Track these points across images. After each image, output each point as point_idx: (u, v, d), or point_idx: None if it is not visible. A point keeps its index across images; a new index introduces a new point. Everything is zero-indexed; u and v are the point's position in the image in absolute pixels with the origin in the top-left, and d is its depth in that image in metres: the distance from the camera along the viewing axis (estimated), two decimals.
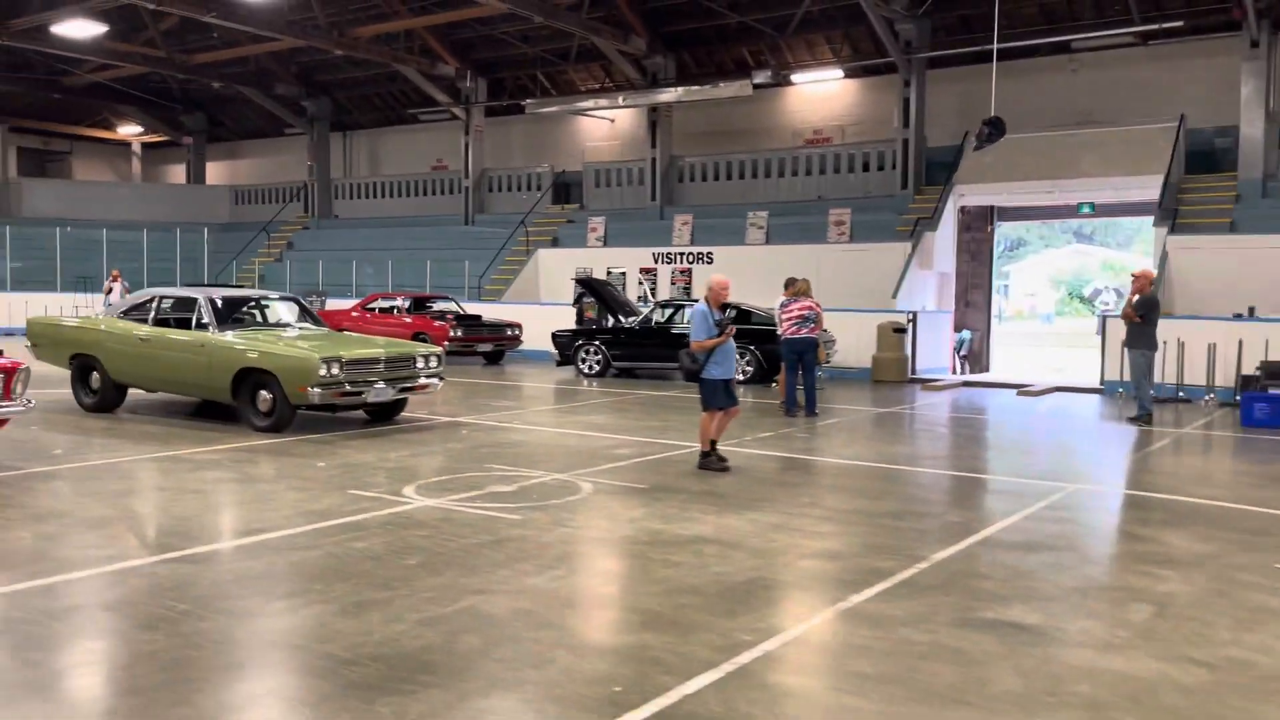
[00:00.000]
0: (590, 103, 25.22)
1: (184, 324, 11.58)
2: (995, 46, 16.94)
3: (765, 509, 7.16)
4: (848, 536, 6.46)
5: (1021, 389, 16.21)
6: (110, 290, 24.67)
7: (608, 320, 19.47)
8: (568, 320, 20.44)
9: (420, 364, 11.31)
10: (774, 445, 10.32)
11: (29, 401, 8.13)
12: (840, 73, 23.42)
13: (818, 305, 12.79)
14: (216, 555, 5.80)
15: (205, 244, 30.34)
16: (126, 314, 12.01)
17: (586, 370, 17.73)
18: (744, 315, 17.15)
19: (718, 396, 8.63)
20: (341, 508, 6.98)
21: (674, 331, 17.37)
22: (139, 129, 35.89)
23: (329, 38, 24.12)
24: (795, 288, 12.72)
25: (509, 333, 20.53)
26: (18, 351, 10.42)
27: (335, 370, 10.29)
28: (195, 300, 11.38)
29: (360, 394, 10.64)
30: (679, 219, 23.63)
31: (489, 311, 21.69)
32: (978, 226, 22.05)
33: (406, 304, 20.96)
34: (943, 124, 21.73)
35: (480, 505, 7.10)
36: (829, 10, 22.38)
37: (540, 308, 22.49)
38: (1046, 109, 20.76)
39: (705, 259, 22.06)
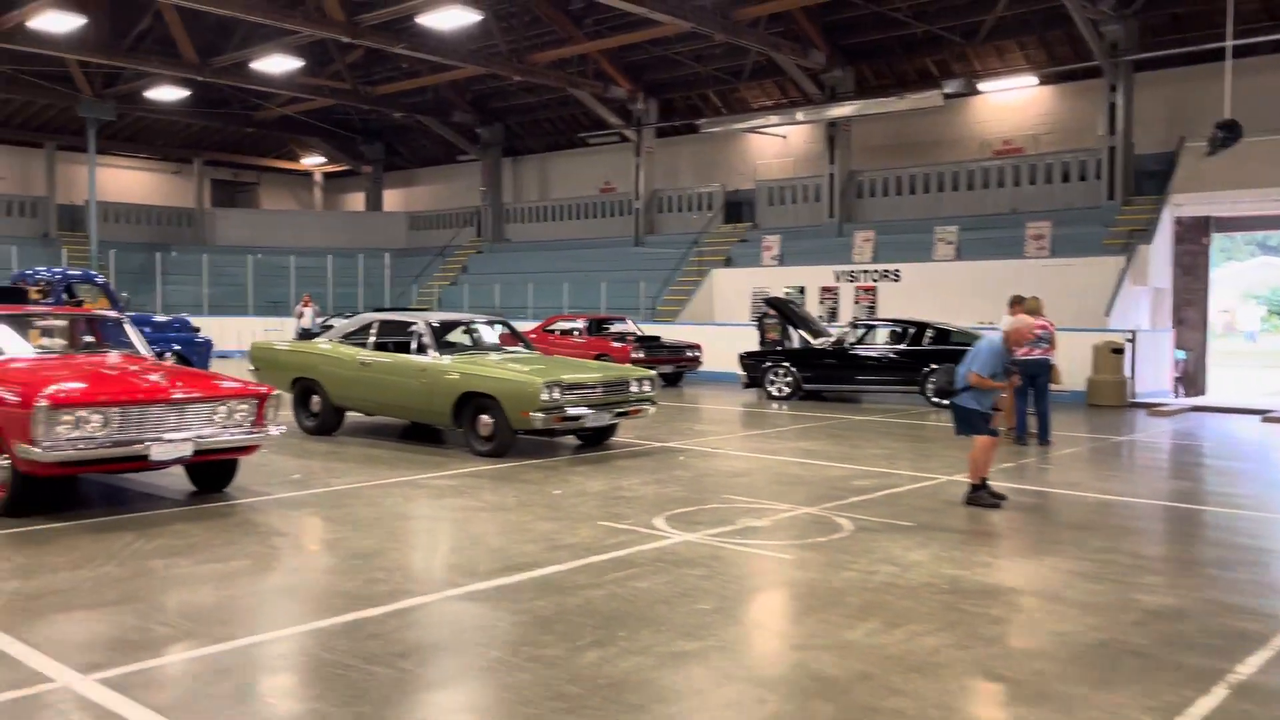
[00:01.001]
0: (767, 119, 24.73)
1: (402, 348, 11.69)
2: (1230, 43, 15.61)
3: (1062, 554, 6.47)
4: (1180, 591, 5.71)
5: (1266, 415, 14.77)
6: (302, 314, 25.67)
7: (791, 341, 18.92)
8: (744, 341, 19.98)
9: (634, 388, 11.04)
10: (1019, 477, 9.54)
11: (280, 428, 8.19)
12: (1034, 79, 22.23)
13: (1051, 324, 11.90)
14: (501, 592, 5.54)
15: (386, 269, 31.28)
16: (346, 338, 12.21)
17: (775, 393, 17.19)
18: (942, 334, 16.33)
19: (985, 422, 7.95)
20: (601, 541, 6.67)
21: (870, 354, 16.68)
22: (321, 159, 37.52)
23: (509, 64, 24.50)
24: (1025, 305, 11.86)
25: (688, 354, 20.22)
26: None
27: (556, 394, 10.11)
28: (414, 324, 11.45)
29: (579, 418, 10.44)
30: (860, 235, 22.87)
31: (665, 332, 21.44)
32: (1191, 238, 20.45)
33: (585, 326, 20.93)
34: (1150, 130, 20.29)
35: (742, 542, 6.68)
36: (1023, 15, 21.29)
37: (716, 328, 22.11)
38: (1275, 110, 19.08)
39: (892, 276, 21.23)
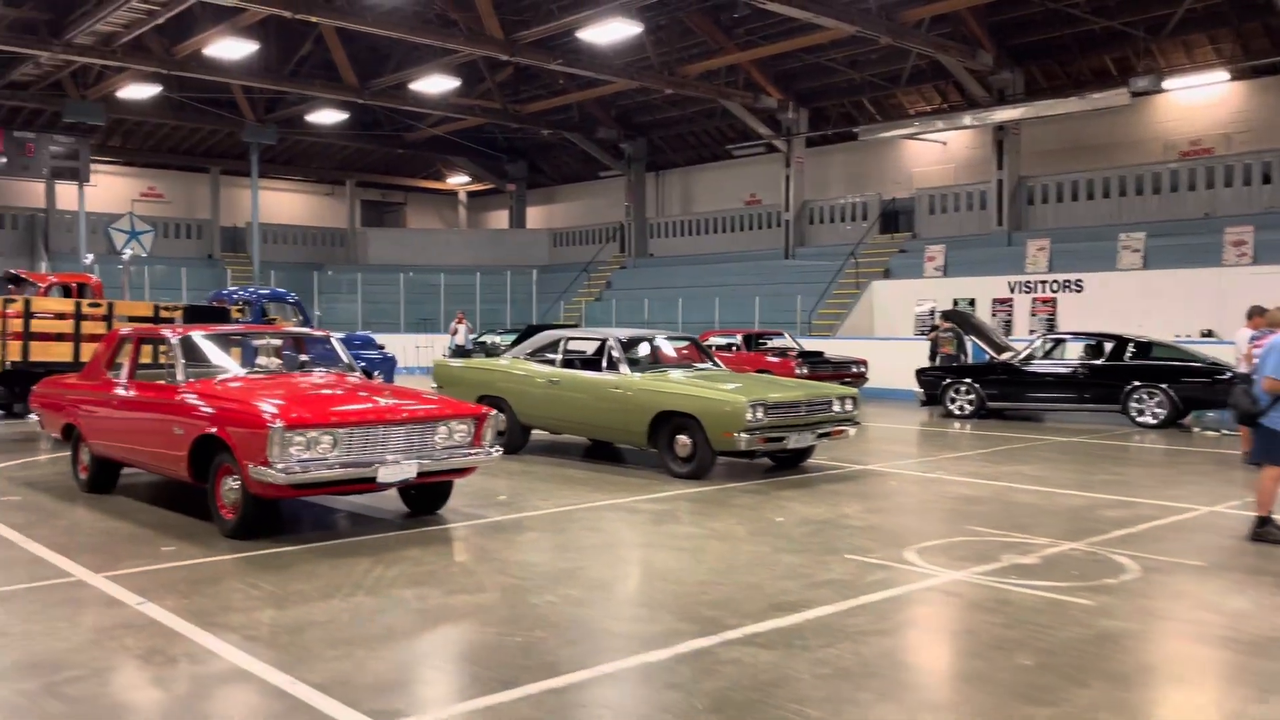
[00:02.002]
0: (931, 124, 23.80)
1: (590, 365, 11.41)
2: None
3: None
4: None
5: None
6: (456, 331, 25.93)
7: (967, 356, 17.98)
8: (909, 355, 19.11)
9: (836, 407, 10.45)
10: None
11: (497, 449, 7.92)
12: (1226, 75, 20.71)
13: None
14: (783, 637, 5.04)
15: (534, 285, 31.46)
16: (532, 355, 11.99)
17: (957, 411, 16.30)
18: (1143, 348, 15.19)
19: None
20: (861, 578, 6.12)
21: (1063, 370, 15.63)
22: (466, 178, 38.16)
23: (660, 77, 24.27)
24: (1268, 317, 10.78)
25: (853, 369, 19.45)
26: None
27: (761, 414, 9.62)
28: (604, 341, 11.14)
29: (783, 439, 9.92)
30: (1033, 244, 21.69)
31: (825, 347, 20.71)
32: None
33: (740, 341, 20.38)
34: None
35: (1024, 583, 6.01)
36: (1214, 7, 19.86)
37: (878, 342, 21.27)
38: None
39: (1073, 287, 20.03)
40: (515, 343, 22.51)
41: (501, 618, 5.38)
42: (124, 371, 8.63)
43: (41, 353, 12.69)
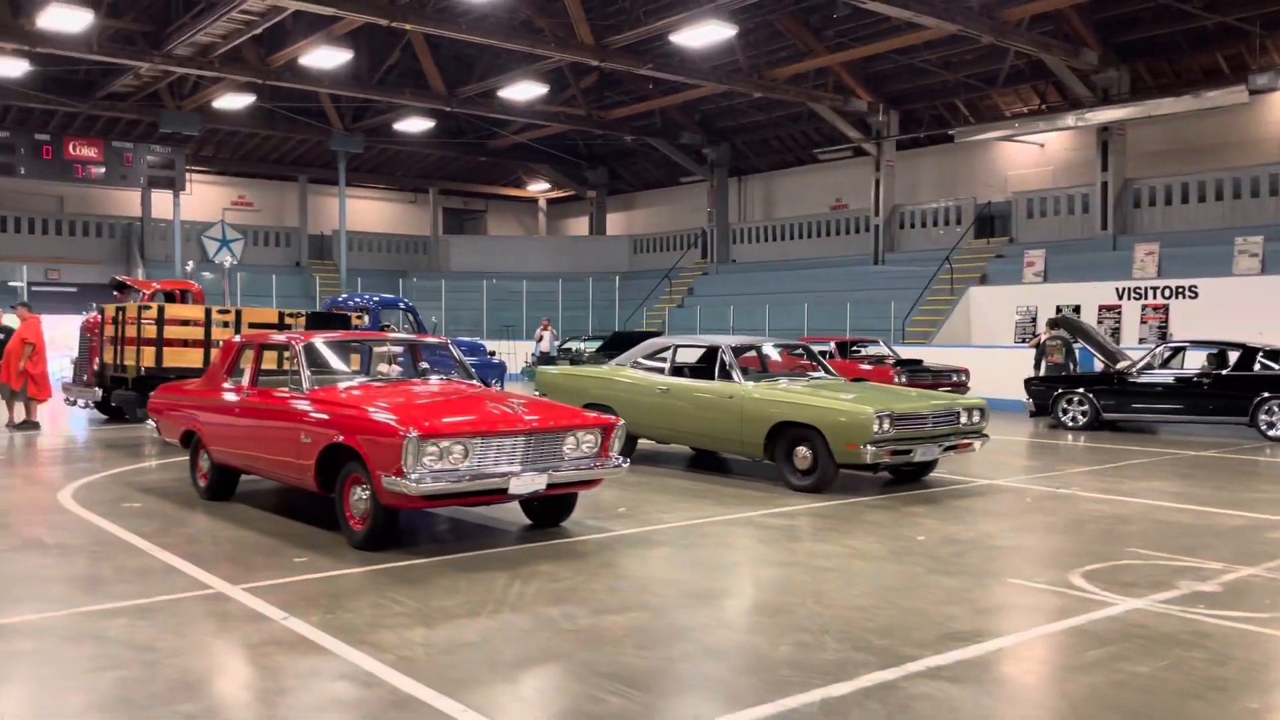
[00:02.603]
0: (1033, 125, 23.06)
1: (700, 373, 11.14)
2: None
3: None
4: None
5: None
6: (541, 338, 25.88)
7: (1076, 364, 17.30)
8: (1010, 363, 18.48)
9: (964, 418, 10.00)
10: None
11: (625, 460, 7.67)
12: None
13: None
14: (969, 670, 4.68)
15: (616, 292, 31.31)
16: (638, 363, 11.75)
17: (1069, 423, 15.65)
18: (1274, 356, 14.41)
19: None
20: (1033, 605, 5.72)
21: (1186, 380, 14.89)
22: (546, 186, 38.23)
23: (749, 80, 23.93)
24: None
25: (954, 378, 18.84)
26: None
27: (887, 426, 9.22)
28: (716, 349, 10.84)
29: (909, 452, 9.51)
30: (1141, 249, 20.85)
31: (920, 355, 20.12)
32: None
33: (833, 348, 19.88)
34: None
35: (1216, 614, 5.55)
36: None
37: (977, 350, 20.61)
38: None
39: (1187, 293, 19.17)
40: (602, 350, 22.52)
41: (658, 641, 5.10)
42: (245, 378, 8.58)
43: (174, 359, 12.88)
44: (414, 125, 29.07)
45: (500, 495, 7.07)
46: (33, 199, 30.27)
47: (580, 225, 39.35)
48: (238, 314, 13.33)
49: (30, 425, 14.55)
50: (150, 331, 12.80)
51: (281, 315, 13.35)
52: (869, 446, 9.12)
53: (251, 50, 23.06)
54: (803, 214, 30.64)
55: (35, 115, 28.02)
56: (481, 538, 7.63)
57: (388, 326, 15.50)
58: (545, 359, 24.59)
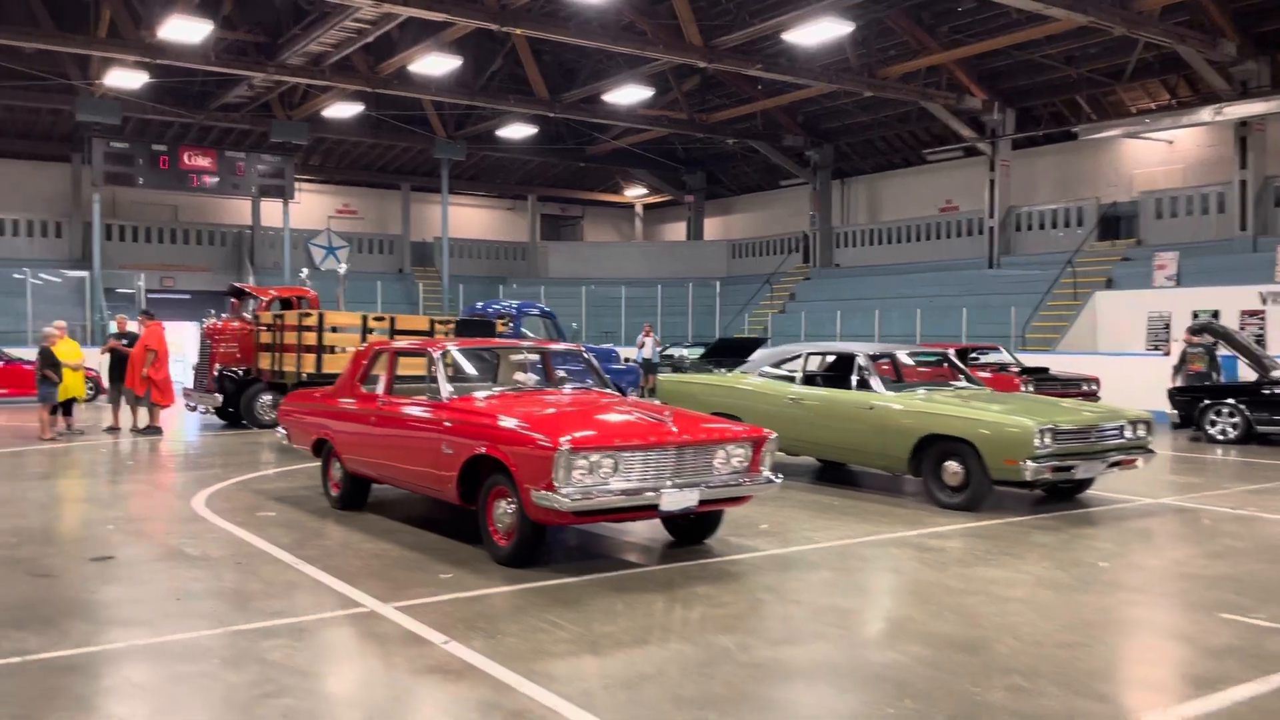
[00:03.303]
0: (1163, 121, 21.90)
1: (833, 382, 10.64)
2: None
3: None
4: None
5: None
6: (643, 344, 25.55)
7: (1219, 374, 16.23)
8: (1142, 372, 17.46)
9: (1129, 432, 9.29)
10: None
11: (778, 475, 7.23)
12: None
13: None
14: None
15: (717, 298, 30.87)
16: (766, 371, 11.29)
17: (1219, 435, 14.65)
18: None
19: None
20: (1267, 645, 5.09)
21: None
22: (643, 191, 38.01)
23: (859, 80, 23.28)
24: None
25: (1084, 387, 17.87)
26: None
27: (1049, 440, 8.59)
28: (853, 357, 10.33)
29: (1071, 469, 8.86)
30: None
31: (1045, 363, 19.16)
32: None
33: (951, 356, 19.02)
34: None
35: None
36: None
37: (1104, 358, 19.56)
38: None
39: None
40: (705, 357, 22.10)
41: (852, 680, 4.66)
42: (380, 386, 8.39)
43: (334, 365, 12.97)
44: (516, 132, 29.10)
45: (651, 512, 6.71)
46: (149, 208, 31.21)
47: (676, 230, 39.00)
48: (392, 320, 13.41)
49: (153, 430, 14.77)
50: (310, 338, 12.91)
51: (432, 323, 13.41)
52: (1030, 462, 8.50)
53: (361, 59, 23.30)
54: (910, 217, 29.76)
55: (152, 126, 28.86)
56: (623, 554, 7.29)
57: (523, 335, 15.34)
58: (648, 365, 24.27)
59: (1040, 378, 17.74)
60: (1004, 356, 19.20)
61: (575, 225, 40.60)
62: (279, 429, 9.86)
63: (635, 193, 38.53)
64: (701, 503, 6.80)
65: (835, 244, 31.48)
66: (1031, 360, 19.34)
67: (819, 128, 30.35)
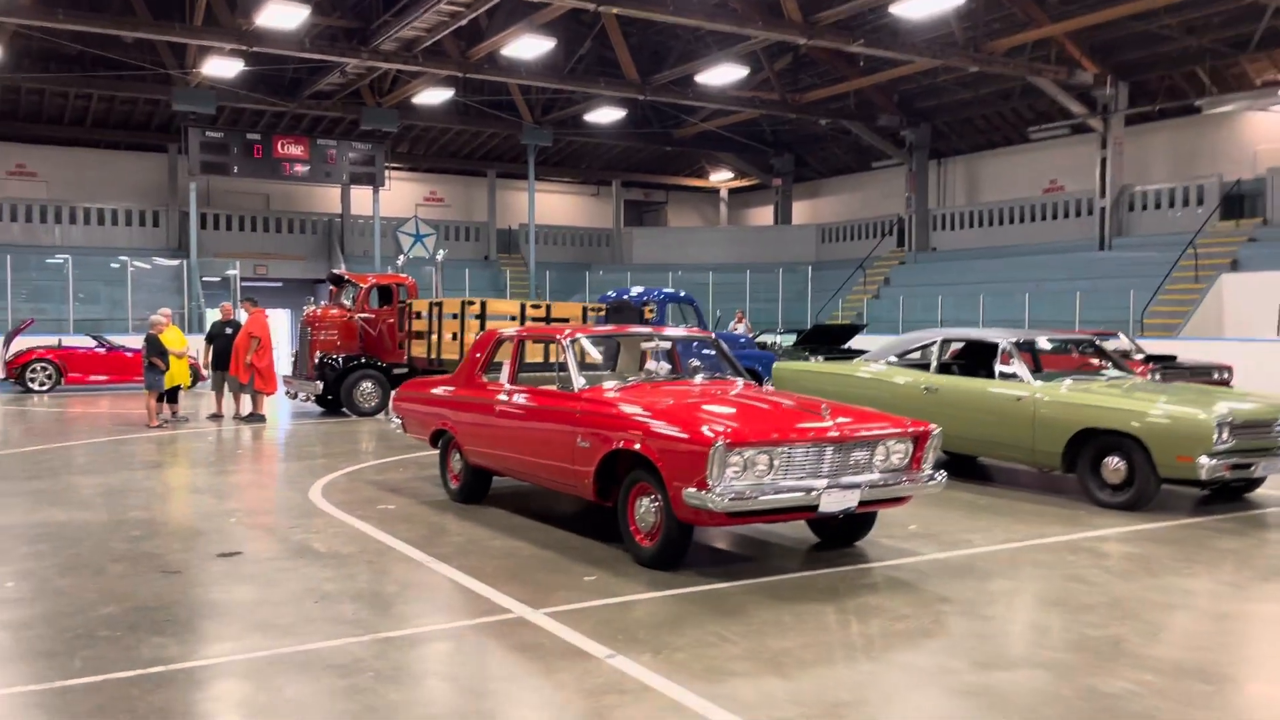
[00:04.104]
0: None
1: (969, 371, 9.99)
2: None
3: None
4: None
5: None
6: (736, 330, 24.96)
7: None
8: (1276, 358, 16.30)
9: None
10: None
11: (941, 474, 6.64)
12: None
13: None
14: None
15: (808, 282, 30.10)
16: (893, 360, 10.66)
17: None
18: None
19: None
20: None
21: None
22: (729, 175, 37.30)
23: (964, 54, 22.28)
24: None
25: (1215, 376, 16.78)
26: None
27: (1227, 435, 7.84)
28: (995, 344, 9.65)
29: (1249, 466, 8.08)
30: None
31: (1168, 349, 18.08)
32: None
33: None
34: None
35: None
36: None
37: (1236, 344, 18.39)
38: None
39: None
40: (800, 343, 21.39)
41: (1084, 713, 4.09)
42: (504, 374, 8.01)
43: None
44: (604, 116, 28.66)
45: (810, 513, 6.19)
46: (242, 198, 31.55)
47: (762, 215, 38.22)
48: (547, 308, 13.24)
49: (256, 418, 14.71)
50: (474, 326, 12.77)
51: (585, 309, 13.19)
52: (1206, 459, 7.77)
53: (452, 44, 23.07)
54: (1012, 198, 28.57)
55: (245, 116, 29.11)
56: (769, 557, 6.79)
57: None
58: None
59: (1167, 366, 16.73)
60: (1124, 343, 18.19)
61: (658, 211, 40.07)
62: (393, 418, 9.56)
63: (720, 177, 37.84)
64: (861, 504, 6.28)
65: (932, 227, 30.43)
66: (1154, 347, 18.29)
67: (915, 106, 29.29)
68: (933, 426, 6.65)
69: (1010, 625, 5.30)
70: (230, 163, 26.77)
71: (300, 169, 27.69)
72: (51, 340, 20.79)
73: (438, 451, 8.89)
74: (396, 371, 15.86)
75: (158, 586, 5.89)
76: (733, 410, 6.60)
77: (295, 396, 16.49)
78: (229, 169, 26.89)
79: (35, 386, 19.66)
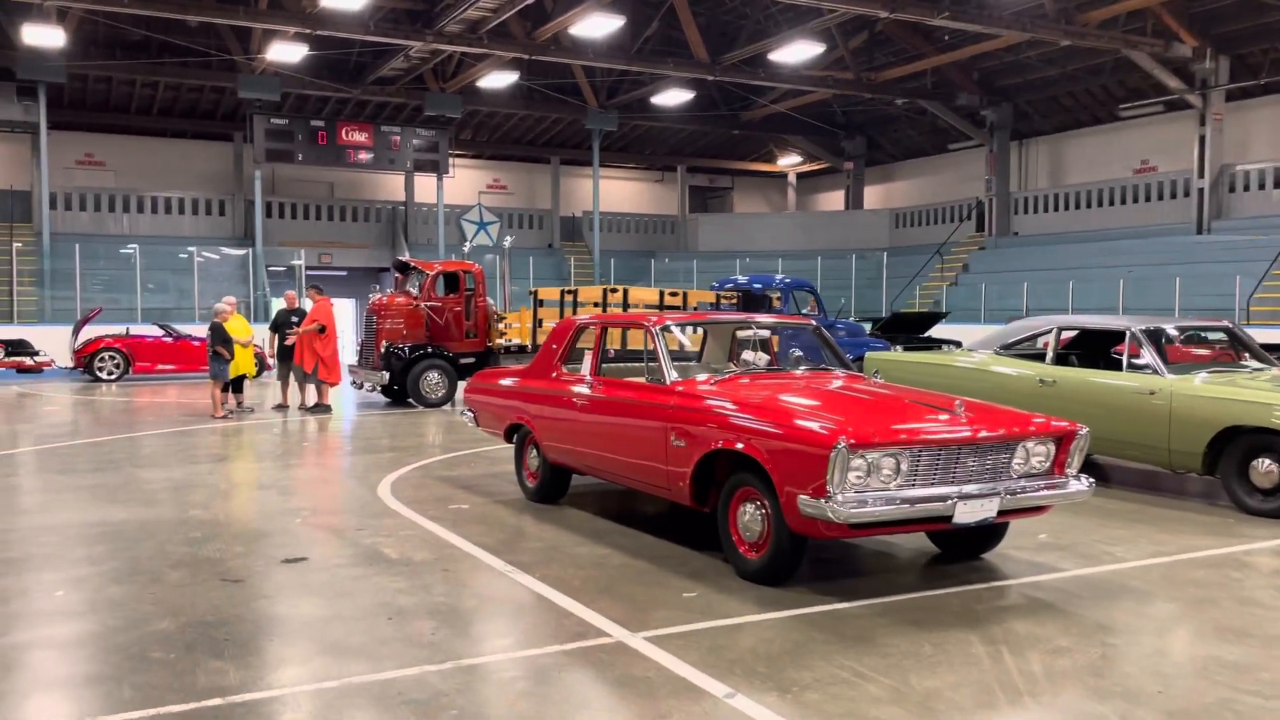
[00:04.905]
0: None
1: (1089, 362, 9.11)
2: None
3: None
4: None
5: None
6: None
7: None
8: None
9: None
10: None
11: (1087, 481, 5.84)
12: None
13: None
14: None
15: (883, 269, 29.07)
16: (1006, 349, 9.81)
17: None
18: None
19: None
20: None
21: None
22: (798, 159, 36.33)
23: (1055, 27, 21.11)
24: None
25: None
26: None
27: None
28: (1120, 333, 8.77)
29: None
30: None
31: (1273, 340, 16.84)
32: None
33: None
34: None
35: None
36: None
37: None
38: None
39: None
40: (883, 331, 20.49)
41: None
42: (586, 366, 7.36)
43: (633, 342, 12.50)
44: (671, 98, 27.91)
45: (943, 525, 5.44)
46: (306, 186, 31.43)
47: (830, 200, 37.18)
48: (684, 296, 12.76)
49: (322, 408, 14.32)
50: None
51: (719, 298, 12.71)
52: None
53: (518, 24, 22.51)
54: (1100, 179, 27.22)
55: (309, 103, 28.91)
56: (884, 570, 6.07)
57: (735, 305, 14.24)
58: None
59: None
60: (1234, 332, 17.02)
61: (723, 196, 39.22)
62: (465, 411, 8.98)
63: (789, 161, 36.86)
64: (1000, 513, 5.51)
65: (1013, 210, 29.18)
66: (1264, 337, 17.06)
67: (996, 85, 28.07)
68: (1079, 426, 5.85)
69: (1193, 661, 4.51)
70: (295, 150, 26.58)
71: (364, 156, 27.41)
72: (119, 329, 20.72)
73: (512, 446, 8.30)
74: (464, 361, 15.40)
75: (218, 598, 5.36)
76: (849, 405, 5.88)
77: (361, 387, 16.09)
78: (293, 156, 26.70)
79: (103, 375, 19.60)
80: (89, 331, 20.31)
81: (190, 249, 26.14)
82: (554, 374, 7.70)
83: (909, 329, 20.27)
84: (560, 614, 5.12)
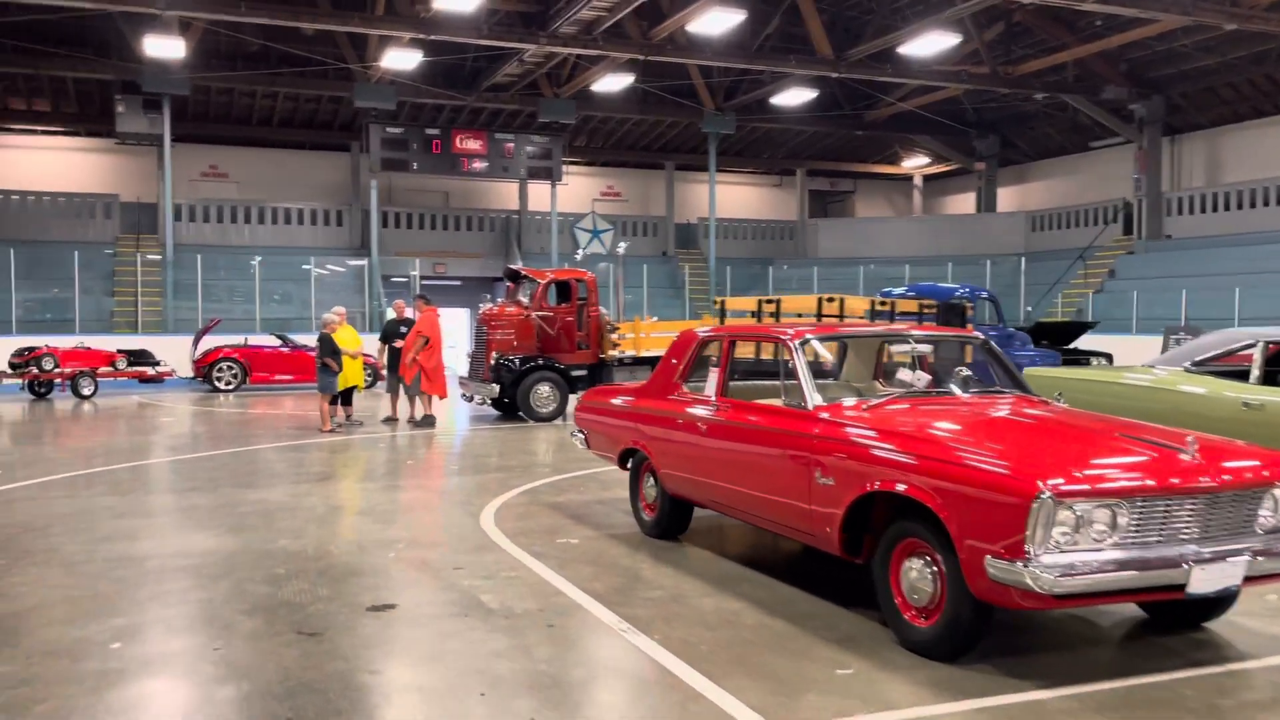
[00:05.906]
0: None
1: None
2: None
3: None
4: None
5: None
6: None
7: None
8: None
9: None
10: None
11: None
12: None
13: None
14: None
15: (1021, 275, 27.24)
16: (1197, 366, 8.43)
17: None
18: None
19: None
20: None
21: None
22: (924, 160, 34.63)
23: (1219, 11, 19.19)
24: None
25: None
26: None
27: None
28: None
29: None
30: None
31: None
32: None
33: None
34: None
35: None
36: None
37: None
38: None
39: None
40: (1036, 340, 18.88)
41: None
42: (711, 385, 6.40)
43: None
44: (792, 98, 26.73)
45: (1175, 594, 4.28)
46: (421, 195, 31.40)
47: (959, 203, 35.30)
48: (892, 306, 11.91)
49: (428, 421, 13.75)
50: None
51: (921, 306, 11.81)
52: None
53: (633, 24, 21.78)
54: (1266, 176, 24.83)
55: (424, 112, 28.81)
56: (1082, 643, 4.92)
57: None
58: None
59: None
60: None
61: (844, 201, 37.72)
62: (575, 432, 8.13)
63: (915, 163, 35.15)
64: (1246, 579, 4.33)
65: (1165, 212, 26.95)
66: None
67: (1147, 76, 25.95)
68: None
69: None
70: (410, 159, 26.43)
71: (478, 164, 27.09)
72: (238, 340, 20.77)
73: (626, 473, 7.41)
74: (575, 373, 14.66)
75: (289, 658, 4.60)
76: (1042, 439, 4.77)
77: (471, 399, 15.51)
78: (408, 165, 26.56)
79: (221, 385, 19.62)
80: (208, 342, 20.40)
81: (310, 259, 26.26)
82: (674, 393, 6.78)
83: (1053, 339, 18.65)
84: (687, 695, 4.18)
